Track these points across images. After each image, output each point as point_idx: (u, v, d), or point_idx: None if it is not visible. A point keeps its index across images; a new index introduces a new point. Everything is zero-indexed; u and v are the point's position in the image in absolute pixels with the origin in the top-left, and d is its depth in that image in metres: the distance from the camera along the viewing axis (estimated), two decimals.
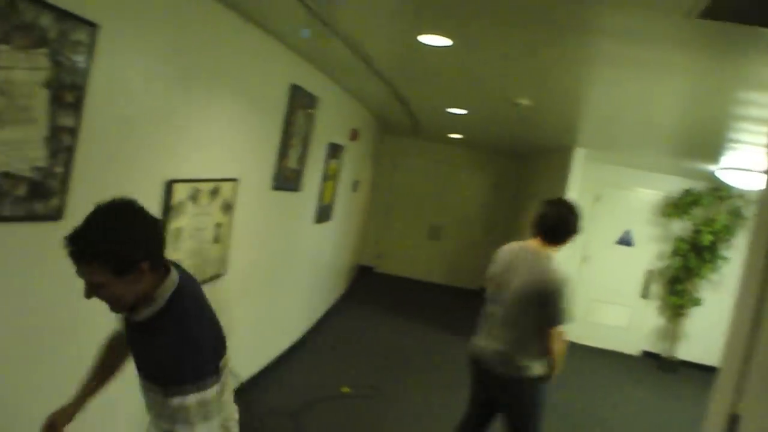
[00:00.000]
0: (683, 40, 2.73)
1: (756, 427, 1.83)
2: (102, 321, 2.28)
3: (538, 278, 3.52)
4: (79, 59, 2.40)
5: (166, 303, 1.87)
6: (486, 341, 3.72)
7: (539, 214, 3.65)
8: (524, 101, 5.09)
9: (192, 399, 1.81)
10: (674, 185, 8.86)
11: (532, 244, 3.67)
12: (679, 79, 3.51)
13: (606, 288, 9.25)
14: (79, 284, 1.79)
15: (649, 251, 9.10)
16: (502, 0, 2.70)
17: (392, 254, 12.16)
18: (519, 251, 3.68)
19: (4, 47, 2.03)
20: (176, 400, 1.81)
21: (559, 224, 3.60)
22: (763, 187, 1.98)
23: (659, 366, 8.78)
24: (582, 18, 2.70)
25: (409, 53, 4.14)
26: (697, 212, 8.71)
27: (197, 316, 1.96)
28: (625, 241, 9.20)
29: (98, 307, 1.89)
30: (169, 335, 1.85)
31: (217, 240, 3.92)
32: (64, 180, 2.44)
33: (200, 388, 1.83)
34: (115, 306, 1.85)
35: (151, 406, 1.99)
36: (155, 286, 1.87)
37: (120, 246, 1.73)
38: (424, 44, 3.65)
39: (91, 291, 1.77)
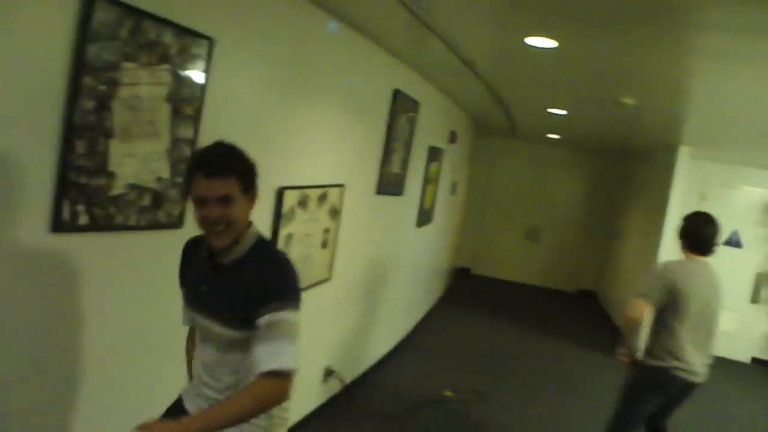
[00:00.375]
0: None
1: None
2: None
3: (719, 288, 3.80)
4: (197, 73, 2.49)
5: (255, 242, 2.04)
6: (698, 357, 3.70)
7: (695, 230, 3.80)
8: (629, 101, 4.91)
9: (294, 315, 1.90)
10: None
11: (693, 256, 3.78)
12: None
13: None
14: None
15: (759, 253, 8.59)
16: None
17: (489, 256, 12.04)
18: (696, 266, 3.74)
19: (131, 65, 2.13)
20: (281, 315, 1.86)
21: (714, 238, 3.77)
22: None
23: None
24: (688, 13, 2.58)
25: (513, 55, 4.08)
26: None
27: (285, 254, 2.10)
28: (733, 242, 8.71)
29: None
30: (265, 263, 1.98)
31: (325, 245, 3.98)
32: (184, 190, 2.53)
33: (298, 309, 1.93)
34: (227, 230, 1.93)
35: (210, 364, 2.06)
36: (247, 227, 2.03)
37: (251, 164, 1.99)
38: (530, 46, 3.58)
39: (219, 208, 1.88)
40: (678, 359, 3.60)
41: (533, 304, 10.59)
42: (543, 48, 3.59)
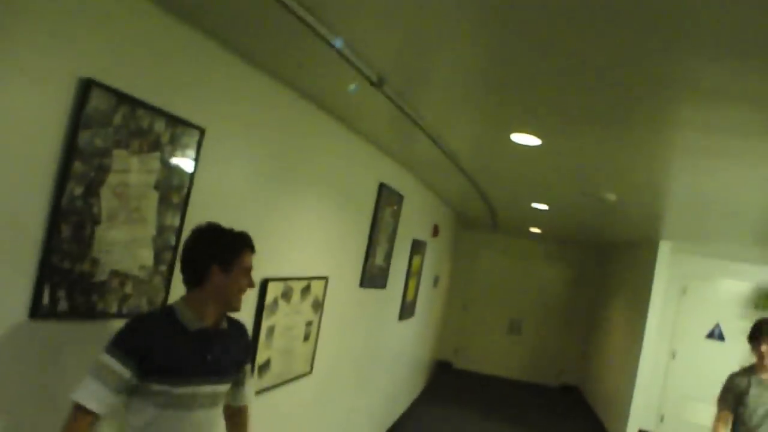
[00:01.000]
0: (762, 130, 2.65)
1: None
2: None
3: None
4: (187, 161, 2.49)
5: None
6: None
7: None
8: (611, 196, 5.00)
9: None
10: (764, 275, 8.38)
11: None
12: (762, 167, 3.37)
13: (698, 385, 8.69)
14: None
15: (741, 346, 8.54)
16: (590, 99, 2.69)
17: (470, 349, 11.90)
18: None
19: (122, 152, 2.12)
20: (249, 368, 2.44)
21: None
22: None
23: None
24: (662, 112, 2.67)
25: (498, 151, 4.16)
26: None
27: None
28: (716, 335, 8.69)
29: None
30: (238, 323, 2.35)
31: (307, 338, 3.90)
32: (168, 278, 2.49)
33: None
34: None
35: (209, 425, 2.20)
36: None
37: None
38: (515, 143, 3.65)
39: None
40: None
41: (515, 400, 10.39)
42: (527, 145, 3.67)
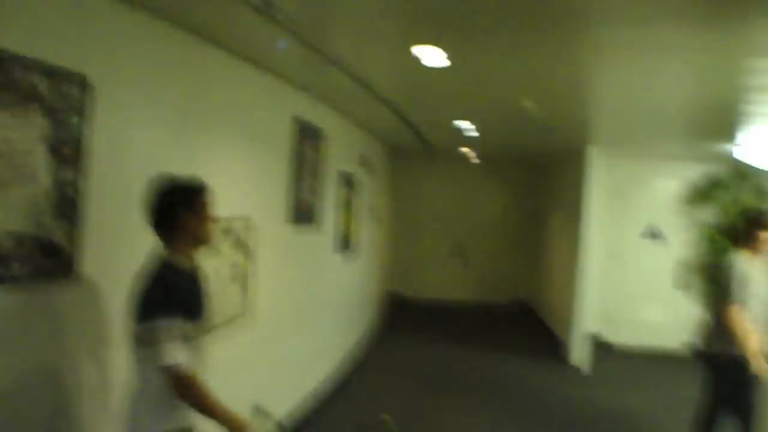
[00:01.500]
0: (681, 15, 2.67)
1: None
2: None
3: None
4: (75, 113, 2.41)
5: None
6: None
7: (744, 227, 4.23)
8: (528, 103, 5.04)
9: None
10: (695, 172, 8.69)
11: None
12: (683, 57, 3.42)
13: (638, 284, 9.06)
14: None
15: (680, 242, 8.91)
16: (477, 6, 2.69)
17: (421, 278, 12.07)
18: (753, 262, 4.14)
19: None
20: None
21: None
22: None
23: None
24: (573, 5, 2.66)
25: (407, 71, 4.14)
26: (721, 195, 8.53)
27: None
28: (654, 234, 9.03)
29: None
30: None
31: (234, 280, 3.90)
32: (70, 231, 2.43)
33: None
34: None
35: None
36: None
37: None
38: (422, 60, 3.63)
39: None
40: None
41: (470, 321, 10.65)
42: (436, 63, 3.65)
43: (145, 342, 2.24)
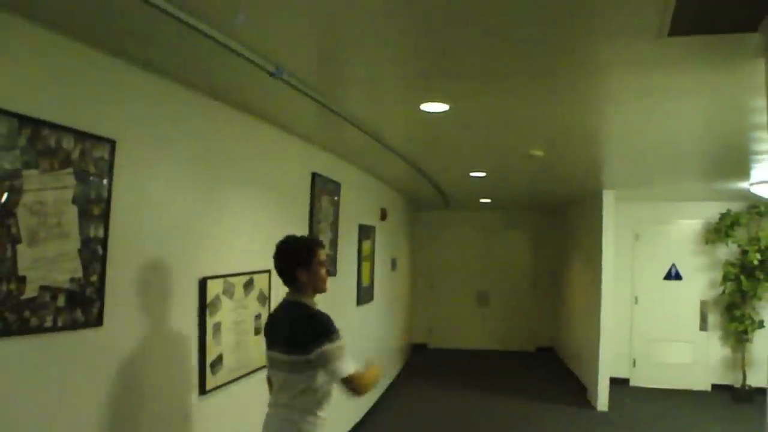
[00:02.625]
0: (684, 61, 2.76)
1: None
2: None
3: None
4: (102, 174, 2.59)
5: None
6: None
7: None
8: (538, 152, 5.17)
9: None
10: (712, 210, 8.76)
11: None
12: (690, 100, 3.48)
13: (662, 326, 9.04)
14: None
15: (699, 281, 8.91)
16: (482, 60, 2.85)
17: (443, 327, 12.09)
18: None
19: (32, 172, 2.22)
20: None
21: None
22: None
23: (733, 397, 8.42)
24: (577, 54, 2.76)
25: (416, 124, 4.30)
26: (740, 233, 8.55)
27: None
28: (673, 275, 9.05)
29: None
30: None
31: (258, 331, 4.02)
32: (100, 288, 2.59)
33: None
34: None
35: None
36: None
37: None
38: (426, 112, 3.79)
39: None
40: None
41: (494, 369, 10.61)
42: (436, 112, 3.80)
43: (302, 368, 2.81)
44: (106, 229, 2.62)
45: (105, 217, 2.62)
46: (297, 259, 2.96)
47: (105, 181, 2.62)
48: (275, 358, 2.96)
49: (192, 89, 3.26)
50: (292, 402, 2.87)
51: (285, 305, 3.05)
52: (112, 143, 2.64)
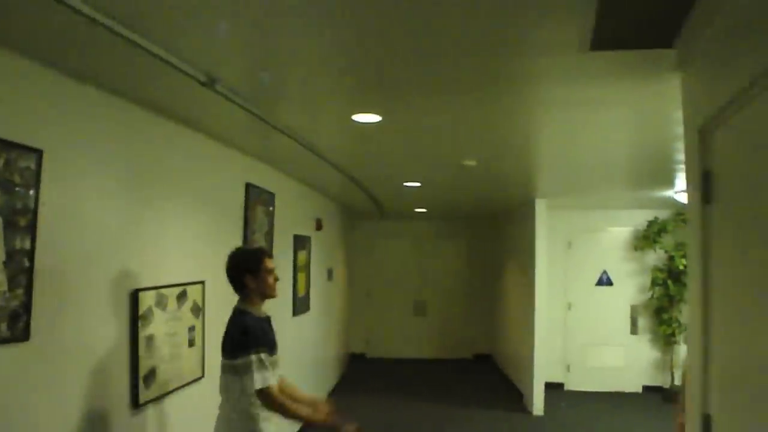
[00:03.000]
0: (608, 74, 2.88)
1: (724, 424, 1.96)
2: None
3: None
4: (28, 184, 2.53)
5: None
6: None
7: None
8: (471, 162, 5.28)
9: None
10: (641, 218, 9.11)
11: None
12: (616, 111, 3.61)
13: (595, 331, 9.32)
14: None
15: (629, 287, 9.24)
16: (413, 74, 2.92)
17: (381, 337, 12.15)
18: None
19: None
20: None
21: None
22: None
23: (663, 398, 8.76)
24: (505, 68, 2.84)
25: (347, 134, 4.34)
26: (667, 239, 8.89)
27: None
28: (604, 281, 9.35)
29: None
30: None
31: (192, 343, 3.97)
32: (26, 301, 2.52)
33: None
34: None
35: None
36: None
37: None
38: (359, 122, 3.83)
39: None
40: None
41: (432, 377, 10.69)
42: (371, 123, 3.84)
43: (236, 372, 3.00)
44: (33, 241, 2.56)
45: (32, 229, 2.55)
46: (245, 266, 3.19)
47: (31, 192, 2.56)
48: (221, 362, 3.15)
49: (124, 99, 3.21)
50: (232, 404, 3.07)
51: (233, 312, 3.24)
52: (39, 153, 2.58)
